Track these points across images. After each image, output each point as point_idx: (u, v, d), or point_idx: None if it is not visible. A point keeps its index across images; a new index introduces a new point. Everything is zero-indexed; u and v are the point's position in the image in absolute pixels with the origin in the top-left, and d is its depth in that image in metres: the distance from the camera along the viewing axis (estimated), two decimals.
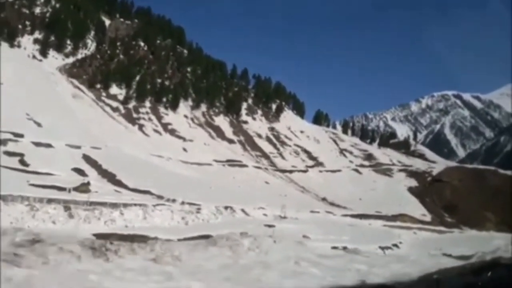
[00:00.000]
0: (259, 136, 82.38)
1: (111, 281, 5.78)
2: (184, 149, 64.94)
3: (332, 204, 54.99)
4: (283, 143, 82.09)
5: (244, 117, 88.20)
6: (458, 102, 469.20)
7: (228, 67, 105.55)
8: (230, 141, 76.08)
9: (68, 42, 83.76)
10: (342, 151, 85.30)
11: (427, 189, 65.61)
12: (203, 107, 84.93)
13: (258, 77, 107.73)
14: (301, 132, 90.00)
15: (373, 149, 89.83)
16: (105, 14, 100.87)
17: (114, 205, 26.97)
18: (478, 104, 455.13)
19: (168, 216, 28.37)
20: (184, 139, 68.85)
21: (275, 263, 8.56)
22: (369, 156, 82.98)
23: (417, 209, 55.71)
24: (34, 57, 75.27)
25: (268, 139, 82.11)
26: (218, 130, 78.64)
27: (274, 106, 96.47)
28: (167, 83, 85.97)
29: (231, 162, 64.61)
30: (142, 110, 74.31)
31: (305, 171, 71.58)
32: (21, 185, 27.29)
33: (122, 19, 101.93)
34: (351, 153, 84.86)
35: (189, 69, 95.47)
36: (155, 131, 68.99)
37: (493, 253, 14.84)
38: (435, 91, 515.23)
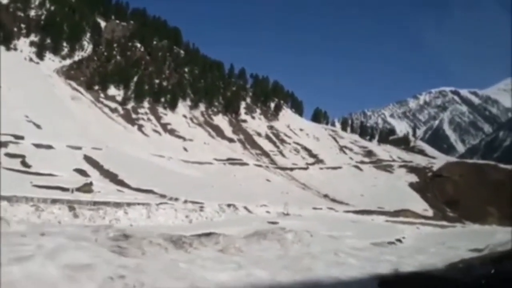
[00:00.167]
0: (259, 134, 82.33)
1: (196, 268, 6.53)
2: (185, 149, 64.87)
3: (333, 200, 55.04)
4: (282, 141, 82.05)
5: (243, 116, 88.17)
6: (456, 98, 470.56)
7: (225, 67, 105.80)
8: (230, 140, 76.03)
9: (64, 44, 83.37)
10: (342, 148, 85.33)
11: (428, 184, 65.79)
12: (202, 107, 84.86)
13: (255, 76, 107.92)
14: (301, 130, 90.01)
15: (373, 145, 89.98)
16: (100, 16, 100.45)
17: (118, 205, 26.90)
18: (475, 100, 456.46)
19: (172, 214, 28.24)
20: (184, 139, 68.77)
21: (319, 254, 9.34)
22: (369, 153, 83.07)
23: (419, 204, 55.88)
24: (31, 59, 74.90)
25: (268, 138, 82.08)
26: (217, 129, 78.56)
27: (272, 105, 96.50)
28: (165, 83, 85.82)
29: (232, 161, 64.58)
30: (140, 110, 74.19)
31: (305, 169, 71.57)
32: (24, 186, 27.23)
33: (117, 21, 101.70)
34: (351, 150, 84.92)
35: (186, 69, 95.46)
36: (154, 131, 68.87)
37: (504, 246, 14.94)
38: (432, 88, 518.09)
